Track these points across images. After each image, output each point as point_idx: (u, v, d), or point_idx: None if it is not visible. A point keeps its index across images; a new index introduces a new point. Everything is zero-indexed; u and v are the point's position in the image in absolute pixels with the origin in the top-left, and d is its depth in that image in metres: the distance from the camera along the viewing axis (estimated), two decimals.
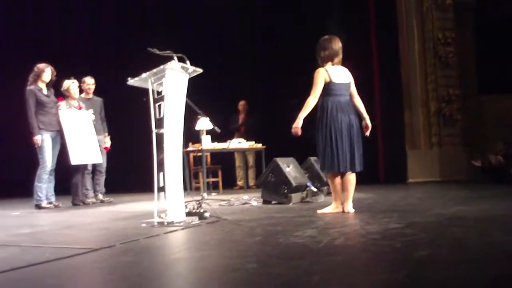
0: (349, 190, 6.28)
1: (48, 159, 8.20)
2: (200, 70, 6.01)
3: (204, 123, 9.82)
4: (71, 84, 8.84)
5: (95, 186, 9.27)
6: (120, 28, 12.95)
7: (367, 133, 6.41)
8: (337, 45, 6.33)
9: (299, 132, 6.16)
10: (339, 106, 6.17)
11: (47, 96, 8.34)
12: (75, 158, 8.42)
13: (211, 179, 11.50)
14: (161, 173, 5.58)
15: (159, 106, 5.64)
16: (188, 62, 5.85)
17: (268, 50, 12.82)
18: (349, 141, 6.17)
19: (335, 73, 6.25)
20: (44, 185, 8.19)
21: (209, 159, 11.51)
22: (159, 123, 5.64)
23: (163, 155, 5.57)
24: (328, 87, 6.20)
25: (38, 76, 8.28)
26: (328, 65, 6.29)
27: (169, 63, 5.65)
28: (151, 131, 5.68)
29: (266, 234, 4.65)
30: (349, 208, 6.22)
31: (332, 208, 6.33)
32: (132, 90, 5.99)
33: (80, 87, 9.18)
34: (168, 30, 12.13)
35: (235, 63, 12.67)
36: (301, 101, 6.24)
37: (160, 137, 5.60)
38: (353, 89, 6.39)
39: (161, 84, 5.67)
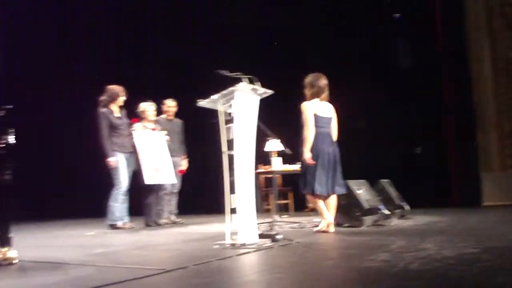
0: (333, 209, 7.12)
1: (123, 179, 8.32)
2: (270, 92, 6.01)
3: (274, 145, 9.79)
4: (147, 107, 8.98)
5: (167, 207, 9.34)
6: (186, 48, 13.02)
7: None
8: (323, 82, 7.08)
9: (312, 161, 6.91)
10: (322, 138, 6.96)
11: (119, 118, 8.47)
12: (149, 178, 8.52)
13: (282, 201, 11.47)
14: (233, 195, 5.57)
15: (229, 127, 5.67)
16: (259, 83, 5.86)
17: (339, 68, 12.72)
18: (332, 168, 7.03)
19: (320, 108, 7.00)
20: (119, 206, 8.30)
21: (279, 181, 11.48)
22: (230, 144, 5.66)
23: (234, 177, 5.57)
24: (314, 120, 6.95)
25: (113, 100, 8.42)
26: (315, 100, 7.02)
27: (238, 84, 5.70)
28: (221, 153, 5.69)
29: (339, 258, 4.59)
30: (331, 228, 6.99)
31: (323, 227, 6.99)
32: (203, 112, 6.03)
33: (160, 109, 9.33)
34: (237, 49, 12.19)
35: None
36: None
37: (231, 159, 5.60)
38: (334, 124, 7.16)
39: (231, 105, 5.72)
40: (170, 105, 9.56)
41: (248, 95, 5.83)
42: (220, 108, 5.73)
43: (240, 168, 5.61)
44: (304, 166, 7.04)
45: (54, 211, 11.28)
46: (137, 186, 8.61)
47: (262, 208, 11.24)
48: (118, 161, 8.28)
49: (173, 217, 9.38)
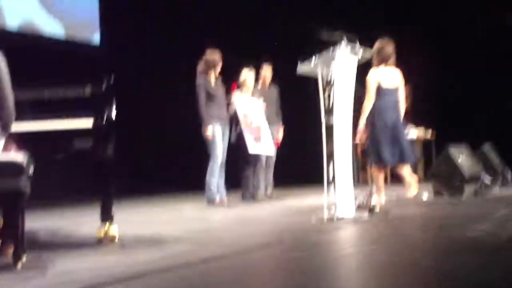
0: (409, 178, 7.28)
1: (219, 152, 8.15)
2: (372, 50, 5.87)
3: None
4: (248, 76, 8.88)
5: (264, 181, 9.31)
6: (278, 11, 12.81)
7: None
8: (390, 48, 7.03)
9: (364, 138, 7.05)
10: (385, 109, 6.94)
11: (216, 87, 8.32)
12: (252, 148, 8.46)
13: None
14: (331, 166, 5.51)
15: (329, 94, 5.52)
16: (358, 44, 5.63)
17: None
18: (396, 138, 6.98)
19: (385, 77, 6.99)
20: (215, 179, 8.24)
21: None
22: (329, 112, 5.52)
23: (333, 147, 5.50)
24: (378, 91, 6.94)
25: (211, 68, 8.24)
26: (381, 68, 7.00)
27: (339, 45, 5.46)
28: (320, 122, 5.56)
29: (439, 228, 4.50)
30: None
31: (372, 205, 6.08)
32: (299, 79, 5.94)
33: (258, 75, 9.22)
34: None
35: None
36: None
37: (329, 128, 5.49)
38: (401, 92, 7.11)
39: (330, 70, 5.49)
40: (266, 71, 9.43)
41: (349, 56, 5.60)
42: (319, 72, 5.55)
43: (339, 137, 5.48)
44: (370, 137, 7.06)
45: (154, 185, 11.41)
46: (234, 159, 8.58)
47: (360, 179, 11.11)
48: (215, 132, 8.15)
49: (270, 190, 9.33)
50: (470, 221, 4.79)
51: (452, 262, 3.16)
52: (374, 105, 6.96)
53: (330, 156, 5.51)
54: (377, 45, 7.03)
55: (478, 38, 11.81)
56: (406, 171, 7.17)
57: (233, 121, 8.57)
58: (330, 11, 12.14)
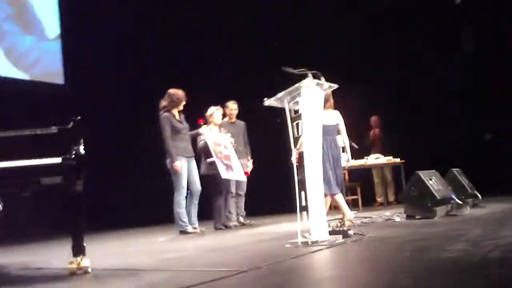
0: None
1: (184, 184, 8.22)
2: (335, 86, 6.01)
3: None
4: (215, 111, 9.00)
5: (236, 209, 9.34)
6: (248, 50, 12.98)
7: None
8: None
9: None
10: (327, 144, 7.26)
11: (180, 122, 8.38)
12: (224, 174, 8.52)
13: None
14: (303, 192, 5.54)
15: (297, 124, 5.65)
16: (323, 78, 5.84)
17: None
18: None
19: (325, 117, 7.02)
20: (184, 210, 8.23)
21: (347, 176, 11.34)
22: (296, 142, 5.69)
23: (303, 174, 5.54)
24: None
25: (176, 104, 8.32)
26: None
27: (304, 80, 5.63)
28: (290, 151, 5.69)
29: (416, 250, 4.50)
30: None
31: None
32: (267, 112, 6.02)
33: (223, 112, 9.32)
34: (297, 49, 12.13)
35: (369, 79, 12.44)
36: None
37: (299, 156, 5.61)
38: (341, 129, 7.69)
39: (297, 102, 5.68)
40: (232, 107, 9.57)
41: (314, 90, 5.79)
42: (286, 105, 5.71)
43: (309, 164, 5.56)
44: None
45: (124, 219, 11.36)
46: (204, 189, 8.59)
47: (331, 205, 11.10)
48: (181, 165, 8.20)
49: (242, 219, 9.37)
50: (444, 241, 4.80)
51: (430, 282, 3.16)
52: None
53: (302, 183, 5.57)
54: None
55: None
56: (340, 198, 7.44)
57: (202, 152, 8.69)
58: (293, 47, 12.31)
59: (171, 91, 8.31)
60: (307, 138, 5.61)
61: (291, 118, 5.69)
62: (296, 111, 5.70)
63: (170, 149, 8.07)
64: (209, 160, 8.65)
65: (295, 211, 5.58)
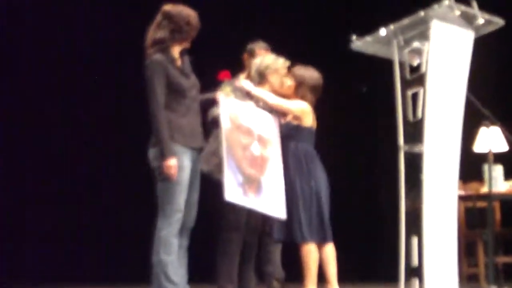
0: None
1: (181, 203, 4.07)
2: (500, 22, 3.44)
3: (490, 139, 5.04)
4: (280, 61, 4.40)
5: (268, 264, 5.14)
6: None
7: None
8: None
9: None
10: None
11: (184, 74, 3.55)
12: (233, 192, 4.43)
13: (503, 259, 5.45)
14: (415, 240, 3.12)
15: (413, 96, 3.34)
16: (475, 3, 3.36)
17: None
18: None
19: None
20: (175, 259, 4.75)
21: (498, 215, 5.85)
22: (413, 131, 3.24)
23: (421, 199, 3.11)
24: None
25: (184, 36, 3.18)
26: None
27: (435, 5, 3.26)
28: (396, 147, 3.40)
29: None
30: None
31: None
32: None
33: None
34: None
35: None
36: None
37: (414, 160, 3.28)
38: None
39: (417, 51, 3.36)
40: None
41: (455, 28, 3.46)
42: (395, 54, 3.45)
43: (435, 181, 3.16)
44: None
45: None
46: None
47: (463, 271, 5.46)
48: (182, 166, 3.66)
49: (275, 284, 4.46)
50: None
51: None
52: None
53: (414, 217, 3.24)
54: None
55: None
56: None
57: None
58: None
59: (172, 9, 4.03)
60: (435, 126, 3.25)
61: (402, 81, 3.34)
62: (413, 69, 3.37)
63: (163, 130, 3.90)
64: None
65: (394, 278, 3.36)
